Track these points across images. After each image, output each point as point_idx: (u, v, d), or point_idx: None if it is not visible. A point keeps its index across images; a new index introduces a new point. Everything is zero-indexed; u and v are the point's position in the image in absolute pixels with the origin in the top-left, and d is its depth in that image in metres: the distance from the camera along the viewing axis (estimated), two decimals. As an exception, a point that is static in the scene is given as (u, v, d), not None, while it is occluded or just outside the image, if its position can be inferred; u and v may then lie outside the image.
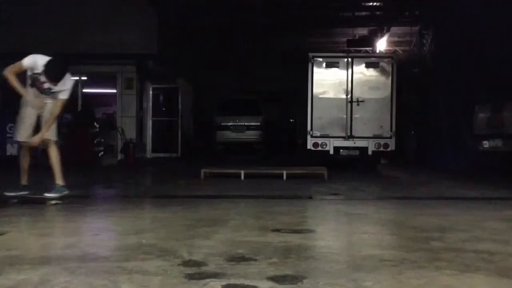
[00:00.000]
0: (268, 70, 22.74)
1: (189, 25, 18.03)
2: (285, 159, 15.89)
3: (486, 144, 11.06)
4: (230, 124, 18.86)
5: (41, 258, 3.43)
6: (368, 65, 13.12)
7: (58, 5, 14.43)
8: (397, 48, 21.82)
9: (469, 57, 12.81)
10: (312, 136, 12.98)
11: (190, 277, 2.97)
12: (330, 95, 13.10)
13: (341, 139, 13.01)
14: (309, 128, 12.95)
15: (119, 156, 14.69)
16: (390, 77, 13.03)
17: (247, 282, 2.87)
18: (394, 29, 19.85)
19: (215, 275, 2.99)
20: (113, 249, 3.74)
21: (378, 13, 18.28)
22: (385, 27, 19.50)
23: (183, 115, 17.99)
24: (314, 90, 13.02)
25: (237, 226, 4.89)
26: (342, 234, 4.74)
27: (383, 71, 13.08)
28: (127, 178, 11.03)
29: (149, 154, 16.44)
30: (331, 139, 12.99)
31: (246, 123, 18.80)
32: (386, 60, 13.33)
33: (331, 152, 13.00)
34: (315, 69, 13.04)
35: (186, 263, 3.29)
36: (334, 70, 13.14)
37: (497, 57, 11.83)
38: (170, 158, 16.50)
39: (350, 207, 6.51)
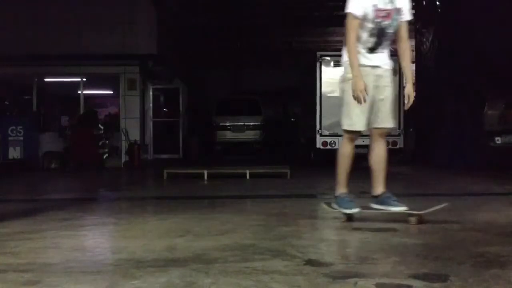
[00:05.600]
0: (267, 70, 22.74)
1: (187, 24, 17.92)
2: (288, 158, 15.86)
3: (498, 140, 11.24)
4: (230, 124, 18.80)
5: (165, 261, 3.38)
6: (375, 64, 13.19)
7: (60, 6, 14.19)
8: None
9: (473, 53, 12.96)
10: (321, 135, 13.03)
11: (332, 276, 2.95)
12: (339, 94, 13.12)
13: None
14: (318, 127, 12.99)
15: (124, 158, 14.52)
16: (398, 75, 13.12)
17: (395, 281, 2.86)
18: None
19: (357, 275, 2.97)
20: (219, 250, 3.67)
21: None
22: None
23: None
24: (323, 89, 13.07)
25: (312, 224, 4.88)
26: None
27: (390, 69, 13.17)
28: (150, 180, 10.98)
29: (150, 155, 16.29)
30: (340, 138, 12.94)
31: (245, 123, 18.75)
32: (393, 58, 13.39)
33: (340, 150, 13.05)
34: (323, 68, 13.09)
35: (311, 263, 3.27)
36: (342, 69, 13.16)
37: (502, 53, 12.03)
38: (172, 159, 16.37)
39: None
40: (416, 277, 2.91)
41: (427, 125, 15.19)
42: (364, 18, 4.57)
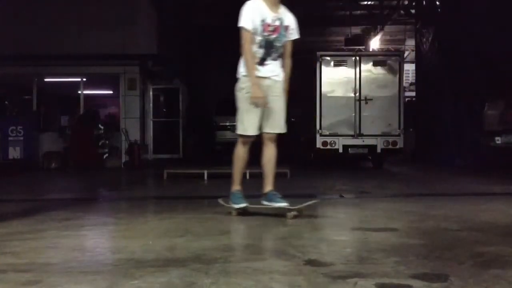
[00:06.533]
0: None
1: (187, 24, 17.91)
2: (288, 158, 15.85)
3: (498, 140, 11.24)
4: (230, 124, 18.76)
5: (165, 261, 3.38)
6: (375, 63, 13.24)
7: (60, 6, 14.19)
8: (390, 47, 22.08)
9: (473, 53, 12.96)
10: (321, 135, 13.04)
11: (332, 276, 2.95)
12: (339, 93, 13.18)
13: (350, 137, 13.11)
14: (318, 127, 13.00)
15: (124, 158, 14.52)
16: (398, 75, 13.18)
17: (395, 281, 2.86)
18: (386, 28, 20.06)
19: (357, 275, 2.97)
20: (219, 250, 3.67)
21: (374, 11, 18.44)
22: (379, 26, 19.70)
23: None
24: (323, 89, 13.08)
25: (312, 224, 4.87)
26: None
27: (390, 69, 13.21)
28: (150, 180, 10.97)
29: (150, 155, 16.28)
30: (340, 138, 13.09)
31: None
32: (393, 58, 13.49)
33: (340, 150, 13.09)
34: (323, 68, 13.10)
35: (311, 263, 3.27)
36: (342, 68, 13.23)
37: (502, 53, 12.02)
38: (172, 159, 16.37)
39: (409, 205, 6.34)
40: (416, 277, 2.91)
41: (427, 125, 15.20)
42: (254, 32, 4.97)
